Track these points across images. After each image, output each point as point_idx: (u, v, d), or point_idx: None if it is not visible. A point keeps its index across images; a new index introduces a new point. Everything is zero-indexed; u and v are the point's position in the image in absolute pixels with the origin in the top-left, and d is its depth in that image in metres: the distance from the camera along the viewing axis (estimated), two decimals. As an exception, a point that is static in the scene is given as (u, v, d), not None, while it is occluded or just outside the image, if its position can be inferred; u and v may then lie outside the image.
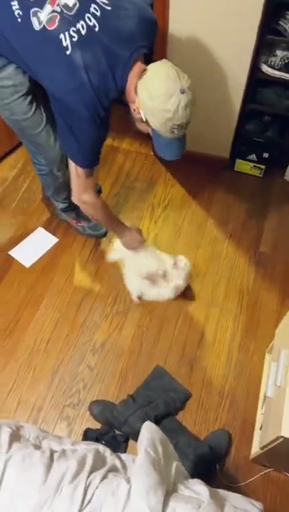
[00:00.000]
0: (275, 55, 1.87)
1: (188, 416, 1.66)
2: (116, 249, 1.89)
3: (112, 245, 1.95)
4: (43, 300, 1.93)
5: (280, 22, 1.77)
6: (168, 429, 1.52)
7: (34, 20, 1.22)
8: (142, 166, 2.40)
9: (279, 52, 1.87)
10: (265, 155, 2.25)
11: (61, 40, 1.19)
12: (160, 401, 1.64)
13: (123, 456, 1.00)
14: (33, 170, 2.36)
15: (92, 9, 1.20)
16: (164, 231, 2.16)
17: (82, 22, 1.19)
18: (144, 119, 1.28)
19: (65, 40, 1.19)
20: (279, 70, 1.89)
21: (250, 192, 2.31)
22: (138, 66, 1.24)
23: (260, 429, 1.52)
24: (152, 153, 2.44)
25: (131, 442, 1.59)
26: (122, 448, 1.57)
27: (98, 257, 2.06)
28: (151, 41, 1.32)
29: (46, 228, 2.15)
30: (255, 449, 1.52)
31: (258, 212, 2.23)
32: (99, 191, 2.17)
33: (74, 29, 1.19)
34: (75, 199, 1.56)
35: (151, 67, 1.24)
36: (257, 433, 1.57)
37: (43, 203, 2.24)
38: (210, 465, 1.53)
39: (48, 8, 1.20)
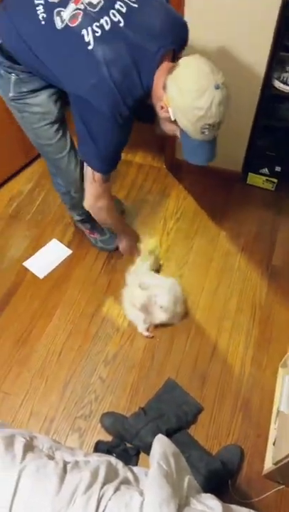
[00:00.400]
0: (288, 71, 1.90)
1: (200, 430, 1.65)
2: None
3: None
4: (56, 311, 1.95)
5: (293, 39, 1.80)
6: (180, 443, 1.51)
7: (57, 20, 1.20)
8: (154, 179, 2.42)
9: (291, 69, 1.89)
10: (278, 169, 2.26)
11: (83, 35, 1.16)
12: (172, 414, 1.63)
13: (135, 469, 1.00)
14: (48, 183, 2.41)
15: (117, 6, 1.17)
16: (176, 243, 2.17)
17: (106, 18, 1.16)
18: (173, 118, 1.20)
19: (88, 35, 1.16)
20: (291, 85, 1.91)
21: (263, 205, 2.32)
22: (166, 63, 1.18)
23: (274, 444, 1.51)
24: (165, 166, 2.47)
25: (142, 455, 1.58)
26: (133, 461, 1.56)
27: (111, 270, 2.08)
28: (181, 42, 1.27)
29: (60, 240, 2.18)
30: (268, 465, 1.50)
31: (270, 226, 2.23)
32: (122, 212, 2.18)
33: (97, 24, 1.16)
34: (87, 204, 1.52)
35: (183, 60, 1.16)
36: (270, 448, 1.55)
37: (58, 215, 2.28)
38: (222, 480, 1.51)
39: (71, 6, 1.19)
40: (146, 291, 1.77)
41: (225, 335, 1.87)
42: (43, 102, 1.39)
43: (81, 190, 1.72)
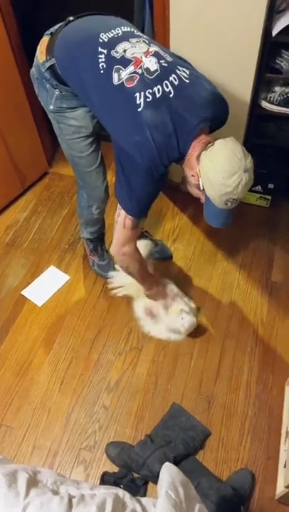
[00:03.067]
0: (274, 91, 1.94)
1: (208, 455, 1.60)
2: (118, 285, 1.94)
3: (111, 282, 1.99)
4: (56, 339, 1.92)
5: (277, 60, 1.85)
6: (188, 470, 1.47)
7: (115, 76, 1.29)
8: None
9: (277, 89, 1.94)
10: (271, 186, 2.28)
11: (136, 97, 1.26)
12: (179, 440, 1.59)
13: (143, 500, 0.96)
14: (44, 211, 2.43)
15: (171, 78, 1.27)
16: (174, 264, 2.17)
17: (159, 86, 1.26)
18: (202, 188, 1.33)
19: (140, 98, 1.26)
20: (278, 105, 1.95)
21: (258, 222, 2.33)
22: (203, 136, 1.30)
23: (285, 466, 1.46)
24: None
25: (150, 485, 1.53)
26: (141, 492, 1.51)
27: (109, 294, 2.06)
28: (219, 120, 1.39)
29: (58, 266, 2.18)
30: (281, 489, 1.45)
31: (267, 242, 2.24)
32: (170, 257, 2.19)
33: (150, 91, 1.26)
34: (114, 250, 1.57)
35: (219, 142, 1.28)
36: (281, 471, 1.51)
37: (54, 242, 2.28)
38: (234, 507, 1.45)
39: (131, 68, 1.28)
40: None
41: (228, 355, 1.85)
42: (79, 116, 1.48)
43: (101, 208, 1.82)
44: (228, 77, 1.86)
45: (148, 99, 1.26)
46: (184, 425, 1.64)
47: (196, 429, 1.64)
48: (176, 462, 1.52)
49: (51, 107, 1.48)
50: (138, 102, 1.26)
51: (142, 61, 1.28)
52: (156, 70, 1.27)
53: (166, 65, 1.29)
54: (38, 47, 1.45)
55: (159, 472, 0.95)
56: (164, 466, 0.96)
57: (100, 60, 1.31)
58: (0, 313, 2.02)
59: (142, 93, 1.26)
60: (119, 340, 1.91)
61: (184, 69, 1.31)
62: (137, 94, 1.26)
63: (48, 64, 1.41)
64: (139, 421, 1.68)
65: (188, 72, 1.31)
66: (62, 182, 2.56)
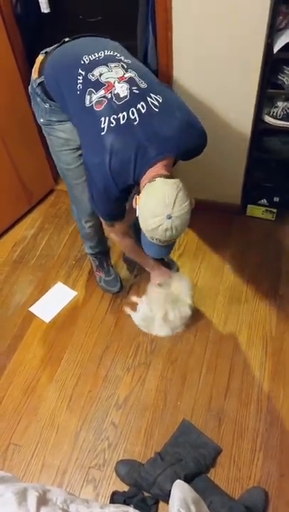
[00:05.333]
0: (277, 106, 1.97)
1: (220, 473, 1.57)
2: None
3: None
4: (64, 355, 1.91)
5: (279, 76, 1.88)
6: (200, 489, 1.44)
7: (87, 98, 1.34)
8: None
9: (280, 104, 1.96)
10: (276, 199, 2.29)
11: (101, 121, 1.30)
12: (189, 458, 1.56)
13: (155, 519, 0.94)
14: (51, 228, 2.46)
15: (139, 106, 1.29)
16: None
17: (124, 113, 1.29)
18: (137, 215, 1.33)
19: (104, 122, 1.30)
20: (281, 119, 1.98)
21: (264, 235, 2.33)
22: (158, 167, 1.30)
23: (299, 484, 1.43)
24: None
25: (161, 504, 1.50)
26: (152, 511, 1.48)
27: (117, 309, 2.06)
28: (183, 152, 1.36)
29: (65, 282, 2.18)
30: (296, 508, 1.41)
31: (273, 255, 2.23)
32: (177, 271, 2.17)
33: (115, 117, 1.29)
34: (105, 232, 1.67)
35: (159, 180, 1.27)
36: (295, 489, 1.47)
37: (62, 259, 2.29)
38: (248, 527, 1.42)
39: (101, 92, 1.32)
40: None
41: (238, 370, 1.82)
42: (68, 129, 1.52)
43: (91, 222, 1.85)
44: (232, 94, 1.89)
45: (112, 125, 1.29)
46: (195, 442, 1.62)
47: (207, 446, 1.61)
48: (187, 480, 1.48)
49: (42, 120, 1.56)
50: (102, 126, 1.30)
51: (113, 86, 1.31)
52: (125, 96, 1.30)
53: (137, 91, 1.31)
54: (35, 64, 1.54)
55: (170, 491, 0.93)
56: (175, 483, 0.95)
57: (78, 82, 1.36)
58: (8, 330, 2.02)
59: (107, 118, 1.29)
60: (127, 356, 1.89)
61: (157, 96, 1.31)
62: (103, 119, 1.30)
63: (38, 81, 1.49)
64: (149, 438, 1.66)
65: (160, 101, 1.31)
66: (68, 199, 2.57)
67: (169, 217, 1.23)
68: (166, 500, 1.32)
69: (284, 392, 1.75)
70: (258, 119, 2.00)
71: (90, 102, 1.33)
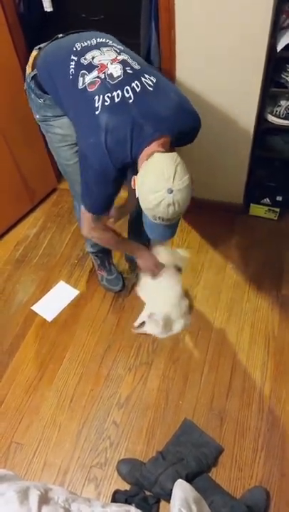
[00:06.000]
0: (280, 105, 1.96)
1: (221, 472, 1.57)
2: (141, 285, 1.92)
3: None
4: (66, 354, 1.92)
5: (282, 75, 1.87)
6: (201, 488, 1.44)
7: (80, 80, 1.33)
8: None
9: (283, 102, 1.96)
10: (279, 198, 2.28)
11: (95, 100, 1.28)
12: (191, 457, 1.56)
13: (156, 518, 0.94)
14: (53, 227, 2.46)
15: (133, 84, 1.28)
16: (184, 278, 2.15)
17: (119, 91, 1.27)
18: (137, 196, 1.30)
19: (98, 101, 1.28)
20: (284, 118, 1.97)
21: (267, 235, 2.33)
22: (155, 145, 1.28)
23: (301, 484, 1.42)
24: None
25: (162, 503, 1.50)
26: (153, 510, 1.48)
27: (119, 308, 2.06)
28: (178, 132, 1.32)
29: (67, 281, 2.19)
30: (297, 508, 1.41)
31: (276, 255, 2.23)
32: (179, 270, 2.14)
33: (109, 95, 1.27)
34: (83, 232, 1.61)
35: (157, 155, 1.24)
36: (297, 489, 1.47)
37: (64, 258, 2.29)
38: (249, 527, 1.42)
39: (94, 73, 1.31)
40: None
41: (240, 369, 1.82)
42: (64, 125, 1.51)
43: None
44: (235, 92, 1.88)
45: (106, 103, 1.27)
46: (197, 442, 1.62)
47: (208, 445, 1.61)
48: (189, 480, 1.48)
49: (38, 116, 1.55)
50: (96, 105, 1.27)
51: (106, 67, 1.30)
52: (119, 76, 1.29)
53: (131, 71, 1.29)
54: (29, 61, 1.54)
55: (171, 490, 0.93)
56: (176, 483, 0.95)
57: (71, 67, 1.36)
58: (10, 328, 2.02)
59: (101, 96, 1.27)
60: (129, 355, 1.89)
61: (151, 77, 1.30)
62: (96, 97, 1.28)
63: (32, 74, 1.49)
64: (151, 437, 1.66)
65: (154, 81, 1.30)
66: (70, 198, 2.58)
67: (170, 191, 1.19)
68: (168, 500, 1.32)
69: (286, 391, 1.74)
70: (261, 117, 1.99)
71: (83, 84, 1.31)
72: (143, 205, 1.26)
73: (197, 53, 1.81)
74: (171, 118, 1.30)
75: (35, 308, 2.09)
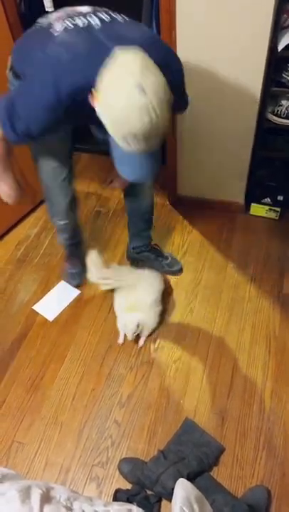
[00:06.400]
0: (281, 105, 1.96)
1: (223, 471, 1.57)
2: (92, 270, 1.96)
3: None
4: (67, 354, 1.92)
5: (283, 75, 1.87)
6: (203, 487, 1.44)
7: (45, 25, 1.23)
8: (159, 215, 2.45)
9: (284, 102, 1.96)
10: (280, 198, 2.29)
11: (54, 24, 1.18)
12: (192, 457, 1.56)
13: (158, 517, 0.95)
14: (53, 226, 2.45)
15: (101, 15, 1.16)
16: (185, 277, 2.16)
17: (83, 19, 1.16)
18: (98, 112, 1.02)
19: (60, 27, 1.16)
20: (285, 118, 1.97)
21: (268, 234, 2.33)
22: None
23: (302, 483, 1.43)
24: (168, 202, 2.51)
25: (164, 502, 1.50)
26: (154, 509, 1.48)
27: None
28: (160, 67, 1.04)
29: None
30: (299, 507, 1.41)
31: (277, 254, 2.23)
32: (180, 270, 2.18)
33: (72, 21, 1.16)
34: None
35: (117, 52, 1.00)
36: (298, 488, 1.47)
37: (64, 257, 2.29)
38: (250, 526, 1.42)
39: (61, 13, 1.23)
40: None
41: (241, 369, 1.82)
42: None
43: (67, 222, 1.89)
44: (236, 92, 1.89)
45: (69, 28, 1.14)
46: (198, 441, 1.62)
47: (209, 445, 1.61)
48: (190, 479, 1.49)
49: None
50: (58, 29, 1.15)
51: (76, 8, 1.21)
52: (88, 11, 1.19)
53: (103, 16, 1.17)
54: None
55: (172, 489, 0.94)
56: (178, 482, 0.95)
57: (42, 28, 1.24)
58: (11, 328, 2.03)
59: (62, 22, 1.16)
60: (130, 355, 1.90)
61: (125, 17, 1.19)
62: (57, 23, 1.17)
63: (9, 65, 1.36)
64: (152, 436, 1.66)
65: (127, 20, 1.18)
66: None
67: (140, 88, 0.91)
68: (169, 499, 1.32)
69: (287, 391, 1.74)
70: (262, 117, 1.99)
71: (48, 25, 1.20)
72: (108, 120, 0.99)
73: (197, 54, 1.81)
74: (143, 44, 1.05)
75: (37, 307, 2.09)
